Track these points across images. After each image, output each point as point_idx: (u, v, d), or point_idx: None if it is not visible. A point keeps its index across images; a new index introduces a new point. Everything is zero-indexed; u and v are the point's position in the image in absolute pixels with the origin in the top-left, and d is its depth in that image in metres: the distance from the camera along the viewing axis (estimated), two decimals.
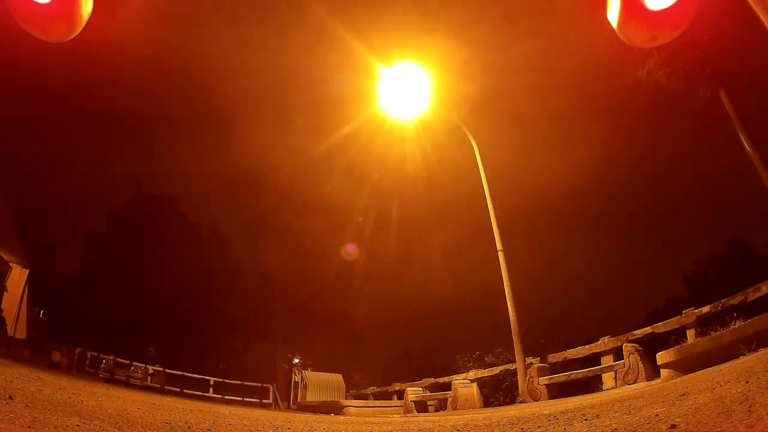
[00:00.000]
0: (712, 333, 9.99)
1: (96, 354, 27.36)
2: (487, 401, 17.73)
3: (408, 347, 55.46)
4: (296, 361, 38.97)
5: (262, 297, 37.25)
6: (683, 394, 5.06)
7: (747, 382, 4.60)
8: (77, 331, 33.36)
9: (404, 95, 17.08)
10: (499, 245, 15.45)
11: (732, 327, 9.10)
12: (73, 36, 3.80)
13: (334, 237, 38.96)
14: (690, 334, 12.60)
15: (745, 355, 7.78)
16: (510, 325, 15.63)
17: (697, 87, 17.70)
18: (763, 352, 7.57)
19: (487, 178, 16.40)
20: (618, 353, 13.65)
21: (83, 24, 3.84)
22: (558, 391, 14.14)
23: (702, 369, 7.96)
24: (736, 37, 16.87)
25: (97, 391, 10.23)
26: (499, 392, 18.67)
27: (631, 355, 11.61)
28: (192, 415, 7.02)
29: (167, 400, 11.87)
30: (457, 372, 22.01)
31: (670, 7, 3.19)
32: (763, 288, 11.51)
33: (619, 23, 3.48)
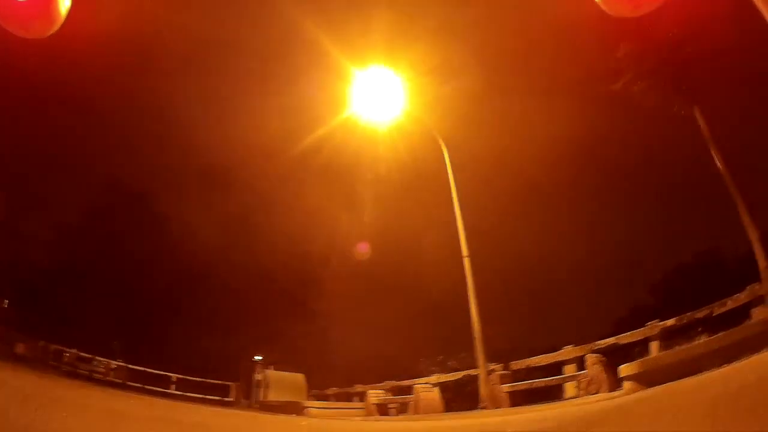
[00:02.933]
0: (677, 347, 9.88)
1: (59, 348, 26.60)
2: (449, 406, 17.48)
3: (372, 348, 55.11)
4: (258, 358, 38.52)
5: (228, 292, 36.63)
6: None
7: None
8: (46, 322, 32.37)
9: (377, 98, 16.70)
10: (464, 251, 15.13)
11: (696, 342, 8.98)
12: (52, 32, 3.83)
13: (305, 234, 38.51)
14: (654, 346, 12.52)
15: (708, 370, 7.62)
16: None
17: (672, 104, 17.63)
18: (726, 368, 7.42)
19: (457, 181, 16.15)
20: (581, 363, 13.53)
21: (62, 20, 3.77)
22: (521, 398, 13.98)
23: (665, 383, 7.79)
24: (714, 54, 16.95)
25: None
26: (461, 397, 18.47)
27: (594, 365, 11.48)
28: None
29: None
30: (420, 375, 21.75)
31: None
32: (729, 303, 11.48)
33: None
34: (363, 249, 38.46)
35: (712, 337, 8.62)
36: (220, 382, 30.97)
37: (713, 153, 16.26)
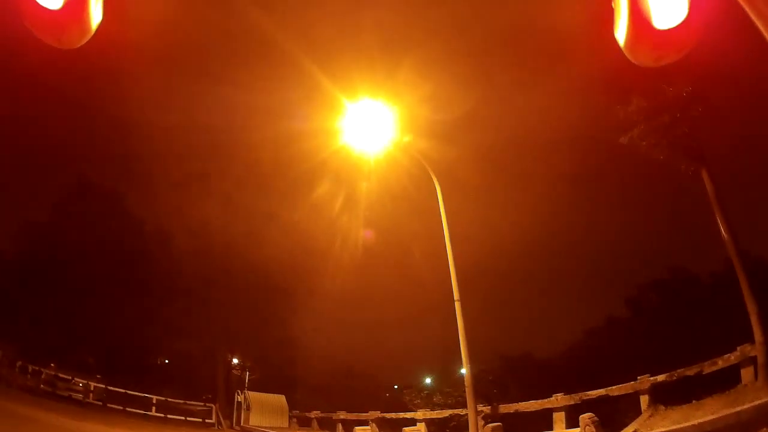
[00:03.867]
0: (674, 413, 9.91)
1: (37, 368, 26.03)
2: None
3: (352, 363, 55.04)
4: (235, 361, 38.31)
5: (204, 299, 36.21)
6: None
7: None
8: (16, 323, 31.68)
9: (369, 129, 16.61)
10: (456, 295, 14.85)
11: (692, 423, 8.94)
12: (83, 42, 3.82)
13: (282, 242, 38.25)
14: (643, 399, 12.58)
15: None
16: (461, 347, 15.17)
17: (679, 162, 17.25)
18: None
19: (449, 220, 15.97)
20: (570, 411, 13.56)
21: (93, 30, 3.79)
22: None
23: None
24: (725, 115, 16.83)
25: None
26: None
27: (587, 426, 11.44)
28: None
29: None
30: (406, 408, 21.70)
31: (676, 27, 3.22)
32: (719, 362, 11.56)
33: (627, 42, 3.39)
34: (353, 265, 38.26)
35: (705, 420, 8.57)
36: (201, 404, 30.58)
37: (718, 218, 15.65)
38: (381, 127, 16.31)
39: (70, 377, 26.17)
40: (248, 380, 36.89)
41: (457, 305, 14.64)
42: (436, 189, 16.39)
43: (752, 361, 11.56)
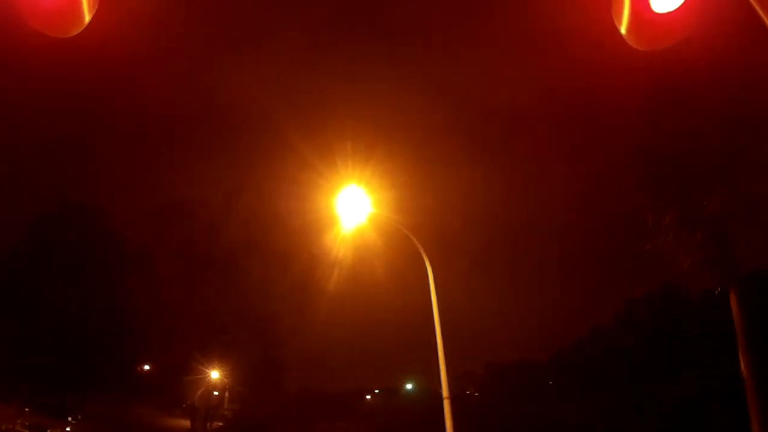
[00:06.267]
0: None
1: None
2: None
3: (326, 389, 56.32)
4: (217, 377, 38.11)
5: (184, 322, 35.86)
6: None
7: None
8: None
9: (358, 208, 16.38)
10: (445, 393, 13.27)
11: None
12: (77, 31, 3.89)
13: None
14: None
15: None
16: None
17: (705, 279, 16.40)
18: None
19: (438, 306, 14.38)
20: None
21: (87, 19, 3.84)
22: None
23: None
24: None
25: None
26: None
27: None
28: None
29: None
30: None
31: (675, 10, 3.39)
32: None
33: (627, 26, 3.54)
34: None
35: None
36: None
37: (740, 351, 15.11)
38: (371, 206, 15.88)
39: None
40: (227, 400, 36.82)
41: (446, 403, 13.00)
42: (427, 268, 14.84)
43: None
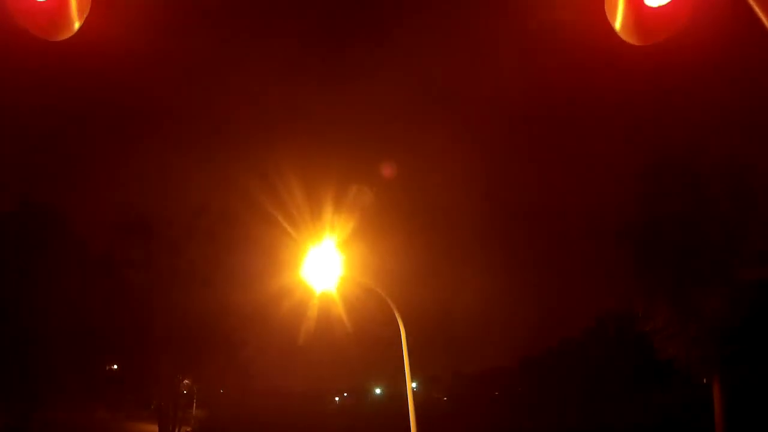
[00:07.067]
0: None
1: None
2: None
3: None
4: (185, 381, 37.47)
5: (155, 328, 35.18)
6: None
7: None
8: None
9: (329, 266, 16.12)
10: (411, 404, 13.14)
11: None
12: (70, 34, 3.86)
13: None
14: None
15: None
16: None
17: (693, 365, 16.37)
18: None
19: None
20: None
21: (78, 23, 3.82)
22: None
23: None
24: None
25: None
26: None
27: None
28: None
29: None
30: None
31: (668, 4, 3.41)
32: None
33: (621, 22, 3.56)
34: None
35: None
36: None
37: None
38: (341, 265, 15.66)
39: None
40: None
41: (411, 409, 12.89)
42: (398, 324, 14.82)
43: None
